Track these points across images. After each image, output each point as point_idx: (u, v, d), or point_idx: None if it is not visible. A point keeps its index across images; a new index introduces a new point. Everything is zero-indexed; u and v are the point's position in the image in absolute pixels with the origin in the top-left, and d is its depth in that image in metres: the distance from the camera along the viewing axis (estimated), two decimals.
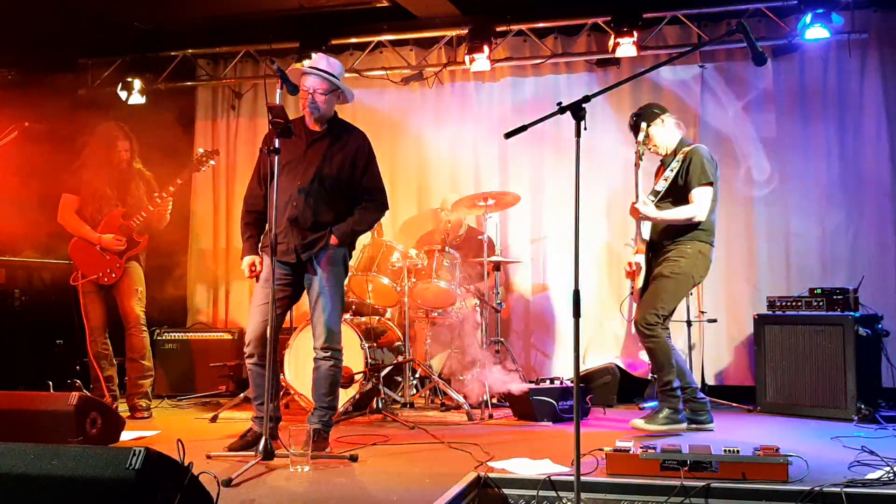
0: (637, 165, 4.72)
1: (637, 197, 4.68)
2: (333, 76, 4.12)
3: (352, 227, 4.16)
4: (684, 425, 4.59)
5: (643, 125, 4.75)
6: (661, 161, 4.90)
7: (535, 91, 6.78)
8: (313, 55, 5.22)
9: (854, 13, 5.85)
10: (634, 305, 4.86)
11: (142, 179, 5.50)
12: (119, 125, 5.53)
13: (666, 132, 4.79)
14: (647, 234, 4.81)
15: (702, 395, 4.79)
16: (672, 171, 4.68)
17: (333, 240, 4.09)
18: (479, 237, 6.19)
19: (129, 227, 5.31)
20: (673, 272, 4.65)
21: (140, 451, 2.22)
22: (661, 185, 4.71)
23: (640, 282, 4.76)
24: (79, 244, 5.37)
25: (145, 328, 5.45)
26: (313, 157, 4.12)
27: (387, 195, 4.35)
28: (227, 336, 6.59)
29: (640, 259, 4.78)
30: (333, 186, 4.12)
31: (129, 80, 6.90)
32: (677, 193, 4.69)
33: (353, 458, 3.84)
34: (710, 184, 4.63)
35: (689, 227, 4.66)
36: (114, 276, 5.32)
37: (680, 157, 4.71)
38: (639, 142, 4.75)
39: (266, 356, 3.93)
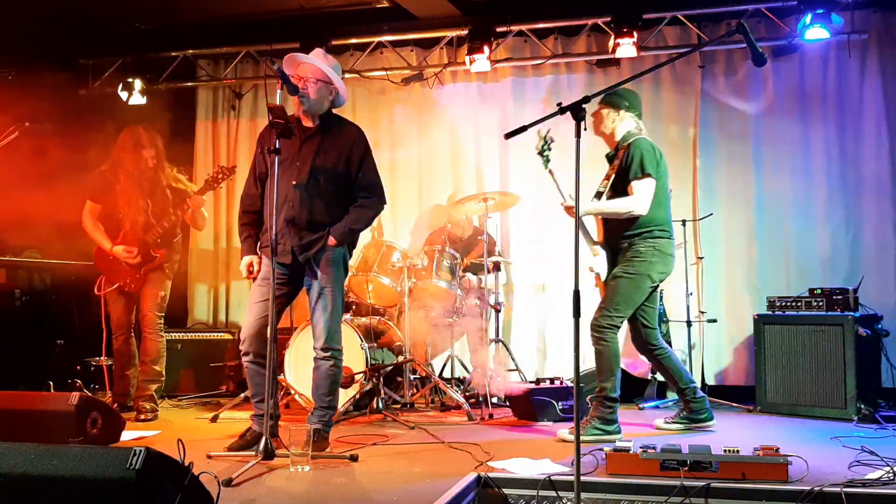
0: (545, 162, 4.57)
1: (562, 196, 4.55)
2: (327, 67, 4.09)
3: (349, 226, 4.13)
4: (615, 437, 4.27)
5: (623, 105, 4.59)
6: (607, 160, 4.77)
7: (536, 91, 6.79)
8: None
9: (854, 13, 5.86)
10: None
11: (170, 188, 5.36)
12: (145, 130, 5.38)
13: (617, 123, 4.63)
14: (595, 235, 4.73)
15: (701, 393, 4.78)
16: (614, 168, 4.55)
17: (331, 241, 4.07)
18: (480, 237, 6.20)
19: (146, 241, 5.24)
20: (627, 272, 4.49)
21: (141, 450, 2.22)
22: (603, 185, 4.56)
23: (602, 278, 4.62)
24: (101, 251, 5.34)
25: (161, 333, 5.39)
26: (307, 154, 4.09)
27: (384, 190, 4.30)
28: (228, 336, 6.60)
29: (599, 261, 4.62)
30: (329, 183, 4.09)
31: (130, 80, 6.90)
32: (621, 189, 4.52)
33: (354, 458, 3.85)
34: (649, 176, 4.43)
35: (638, 224, 4.48)
36: (134, 286, 5.29)
37: (622, 152, 4.55)
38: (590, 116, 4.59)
39: (262, 354, 3.97)
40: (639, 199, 4.43)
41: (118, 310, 5.36)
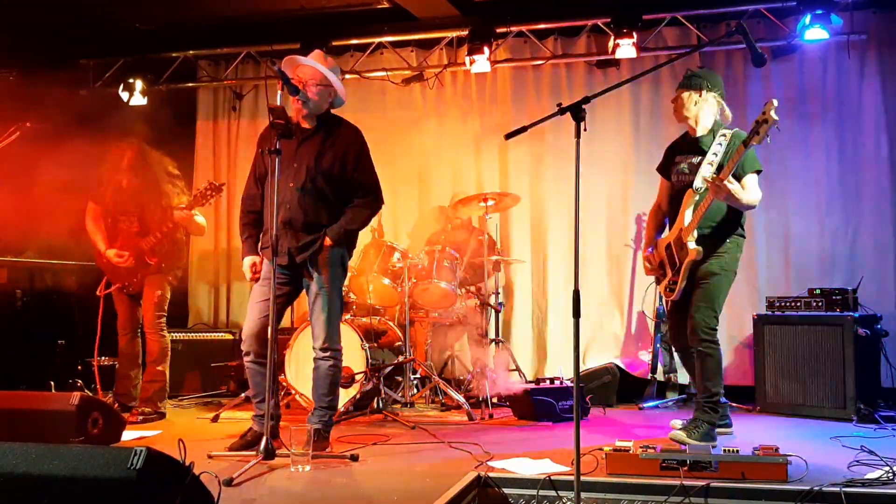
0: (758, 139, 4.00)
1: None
2: (325, 70, 4.09)
3: (345, 227, 4.13)
4: (717, 442, 4.10)
5: (705, 87, 4.30)
6: (684, 141, 4.50)
7: (535, 92, 6.79)
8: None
9: (853, 14, 5.86)
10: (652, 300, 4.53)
11: (164, 194, 5.32)
12: (129, 146, 5.35)
13: (700, 106, 4.36)
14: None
15: (723, 398, 4.58)
16: (716, 154, 4.27)
17: (327, 241, 4.08)
18: (480, 237, 6.21)
19: (140, 247, 5.22)
20: (723, 268, 4.28)
21: (141, 450, 2.23)
22: (707, 170, 4.25)
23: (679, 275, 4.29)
24: (101, 253, 5.34)
25: (163, 333, 5.34)
26: (305, 156, 4.09)
27: (381, 190, 4.29)
28: (229, 336, 6.61)
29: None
30: (327, 184, 4.09)
31: (131, 80, 6.90)
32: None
33: (354, 458, 3.86)
34: (760, 172, 4.29)
35: (735, 215, 4.30)
36: (133, 288, 5.30)
37: (721, 139, 4.27)
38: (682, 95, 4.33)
39: (262, 353, 3.96)
40: (756, 194, 4.23)
41: (124, 308, 5.36)
